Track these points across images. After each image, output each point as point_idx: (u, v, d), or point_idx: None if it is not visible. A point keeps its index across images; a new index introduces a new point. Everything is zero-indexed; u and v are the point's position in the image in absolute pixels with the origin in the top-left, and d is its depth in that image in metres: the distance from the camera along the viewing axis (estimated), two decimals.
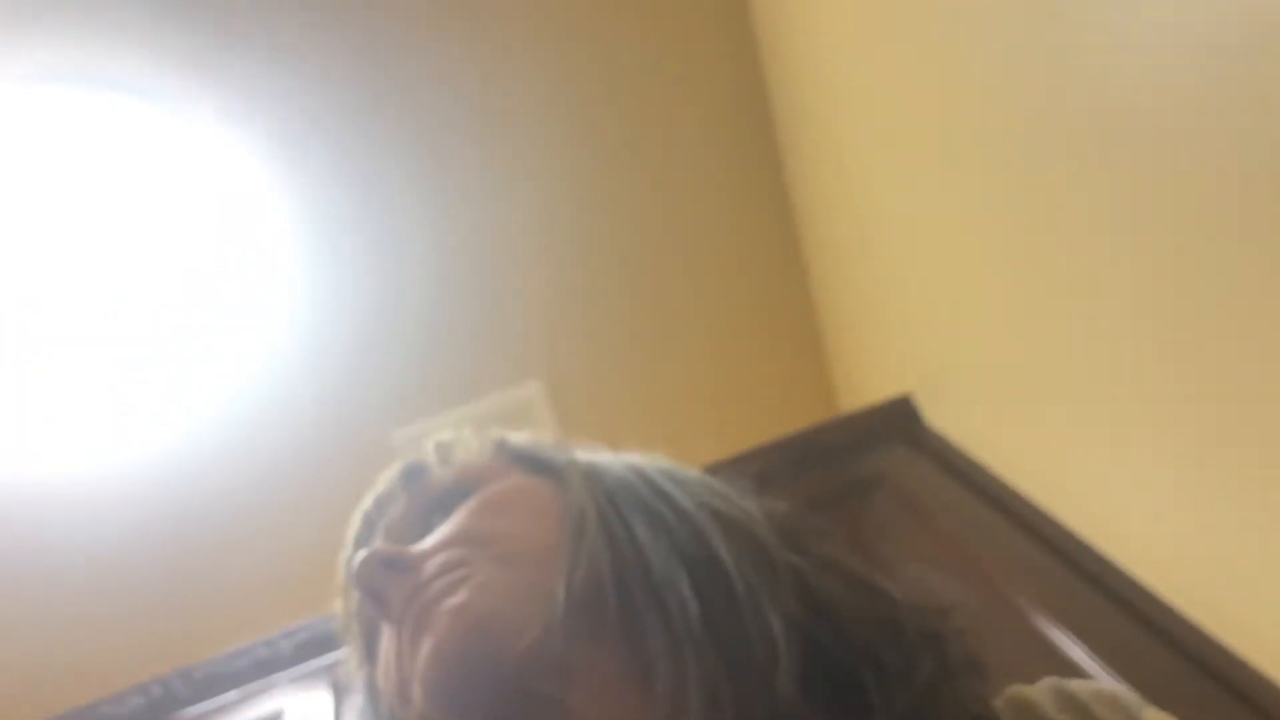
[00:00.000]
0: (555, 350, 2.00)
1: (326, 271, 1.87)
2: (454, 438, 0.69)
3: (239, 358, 1.86)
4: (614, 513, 0.59)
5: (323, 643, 1.51)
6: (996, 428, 1.48)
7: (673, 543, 0.56)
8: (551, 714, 0.52)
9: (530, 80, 1.89)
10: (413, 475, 0.67)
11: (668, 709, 0.50)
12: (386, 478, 0.68)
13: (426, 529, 0.62)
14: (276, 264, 1.84)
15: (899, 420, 1.67)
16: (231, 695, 1.53)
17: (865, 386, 1.93)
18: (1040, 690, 0.59)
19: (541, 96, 1.90)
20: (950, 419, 1.60)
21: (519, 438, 0.69)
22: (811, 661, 0.51)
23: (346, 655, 0.67)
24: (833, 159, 1.81)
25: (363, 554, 0.58)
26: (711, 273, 2.05)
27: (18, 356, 1.74)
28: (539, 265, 1.98)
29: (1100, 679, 1.05)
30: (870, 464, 1.60)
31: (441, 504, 0.63)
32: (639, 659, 0.52)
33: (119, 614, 1.86)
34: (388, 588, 0.57)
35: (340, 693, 1.44)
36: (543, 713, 0.52)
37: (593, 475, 0.63)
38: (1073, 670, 1.09)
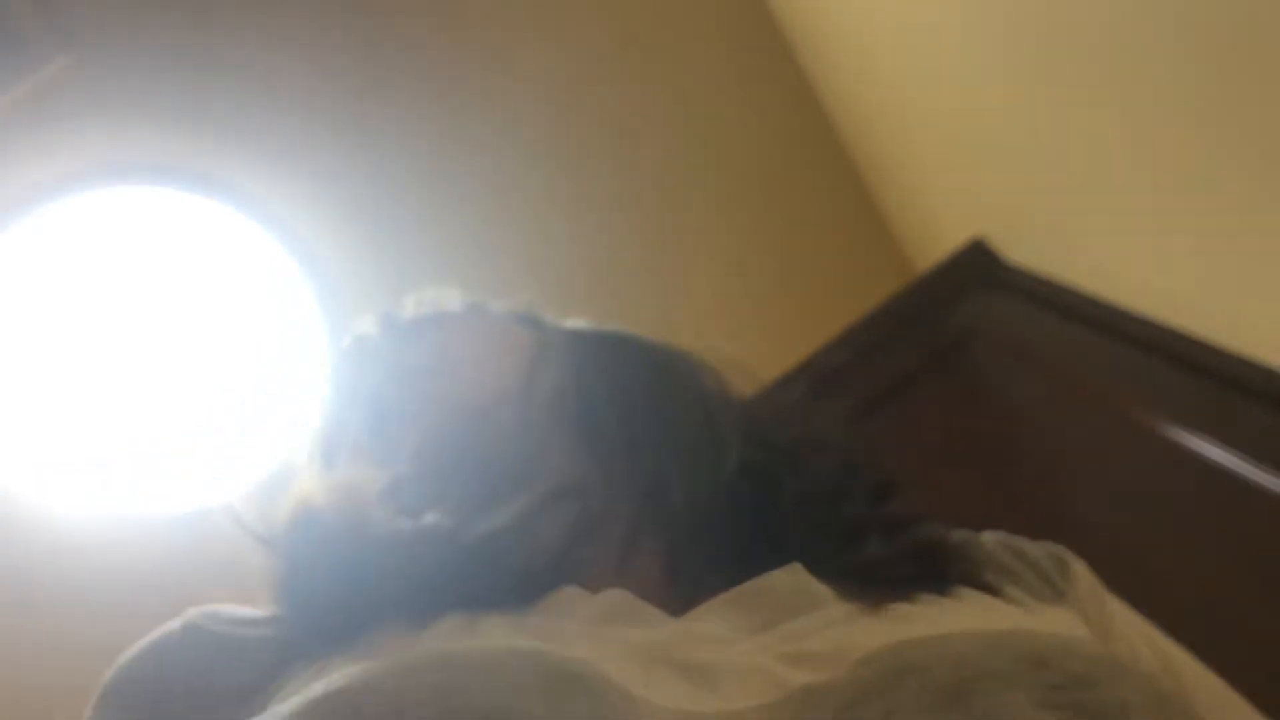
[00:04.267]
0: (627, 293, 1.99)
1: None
2: (435, 295, 0.75)
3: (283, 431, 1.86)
4: (580, 343, 0.68)
5: None
6: (1076, 246, 1.44)
7: (632, 364, 0.66)
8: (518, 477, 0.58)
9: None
10: (391, 319, 0.72)
11: (620, 495, 0.57)
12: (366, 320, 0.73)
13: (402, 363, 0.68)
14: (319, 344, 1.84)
15: (978, 265, 1.63)
16: None
17: (936, 241, 1.89)
18: (984, 536, 0.63)
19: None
20: (1028, 249, 1.56)
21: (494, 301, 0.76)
22: (746, 464, 0.59)
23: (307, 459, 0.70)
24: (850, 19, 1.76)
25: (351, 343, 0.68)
26: (746, 172, 2.01)
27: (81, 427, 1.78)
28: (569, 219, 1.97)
29: (1245, 471, 1.04)
30: (960, 317, 1.57)
31: (417, 333, 0.70)
32: (597, 454, 0.59)
33: None
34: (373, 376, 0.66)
35: None
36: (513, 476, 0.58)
37: (565, 326, 0.72)
38: (1215, 472, 1.06)
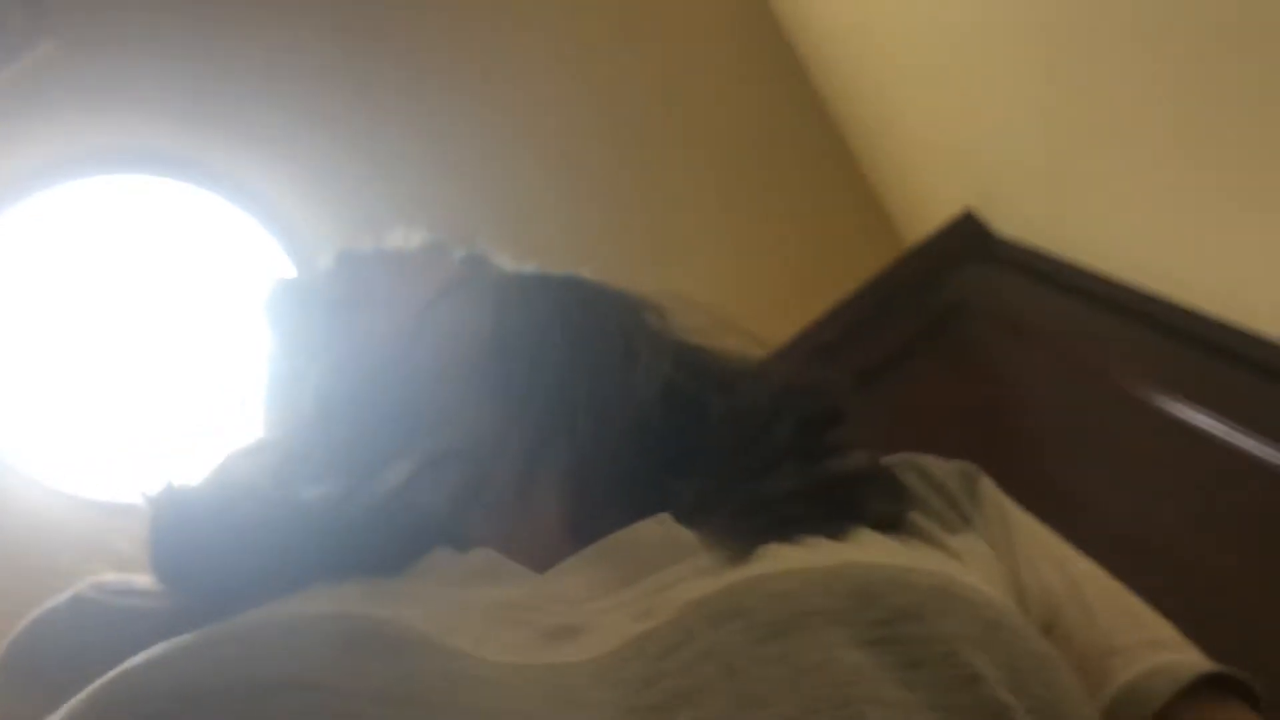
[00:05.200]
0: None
1: None
2: (396, 233, 0.75)
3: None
4: (512, 282, 0.67)
5: None
6: (1066, 217, 1.44)
7: (555, 300, 0.65)
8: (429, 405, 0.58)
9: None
10: (348, 253, 0.72)
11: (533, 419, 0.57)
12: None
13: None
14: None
15: (969, 237, 1.64)
16: None
17: (926, 213, 1.89)
18: (892, 458, 0.62)
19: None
20: (1019, 221, 1.56)
21: (453, 243, 0.75)
22: (672, 389, 0.59)
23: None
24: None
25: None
26: (735, 147, 2.01)
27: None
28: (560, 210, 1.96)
29: (1237, 440, 1.04)
30: (951, 290, 1.58)
31: (341, 269, 0.70)
32: (506, 388, 0.59)
33: None
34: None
35: None
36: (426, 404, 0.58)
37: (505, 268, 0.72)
38: (1208, 442, 1.07)
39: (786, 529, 0.49)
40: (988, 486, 0.61)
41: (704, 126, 1.99)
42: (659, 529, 0.50)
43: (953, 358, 1.48)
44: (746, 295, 1.96)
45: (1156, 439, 1.13)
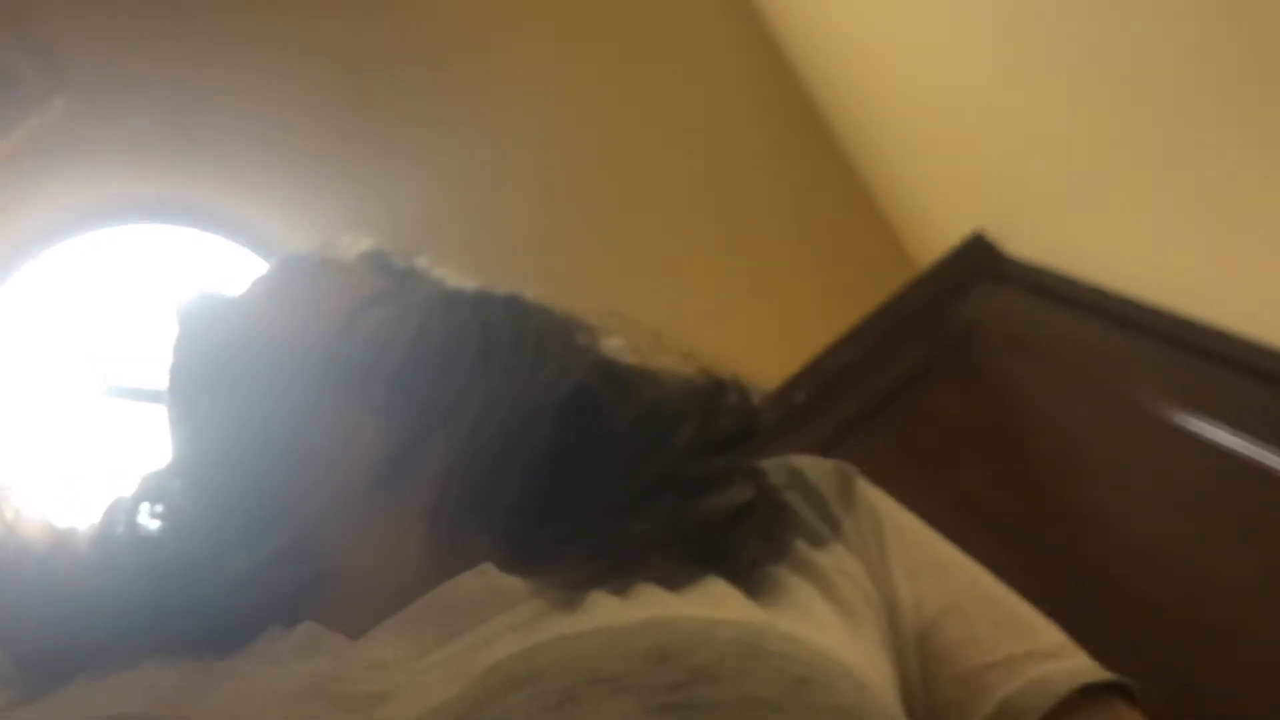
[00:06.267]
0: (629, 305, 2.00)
1: None
2: (340, 241, 0.73)
3: None
4: (438, 298, 0.65)
5: None
6: (1076, 235, 1.44)
7: (471, 318, 0.62)
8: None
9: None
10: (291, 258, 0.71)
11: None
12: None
13: None
14: None
15: (979, 258, 1.64)
16: None
17: (936, 236, 1.89)
18: (769, 463, 0.60)
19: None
20: (1028, 241, 1.57)
21: (393, 254, 0.73)
22: (571, 410, 0.57)
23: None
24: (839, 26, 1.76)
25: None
26: (744, 178, 2.02)
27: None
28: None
29: (1257, 455, 1.03)
30: (964, 311, 1.57)
31: (253, 281, 0.68)
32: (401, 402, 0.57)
33: None
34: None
35: None
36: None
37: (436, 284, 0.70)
38: (1228, 458, 1.06)
39: (625, 576, 0.48)
40: (865, 490, 0.60)
41: (713, 158, 2.00)
42: (480, 581, 0.48)
43: (968, 379, 1.48)
44: (761, 323, 1.97)
45: (1174, 456, 1.12)
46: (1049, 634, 0.55)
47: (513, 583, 0.48)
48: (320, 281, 0.66)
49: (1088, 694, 0.51)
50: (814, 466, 0.60)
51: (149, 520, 0.58)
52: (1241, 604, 0.95)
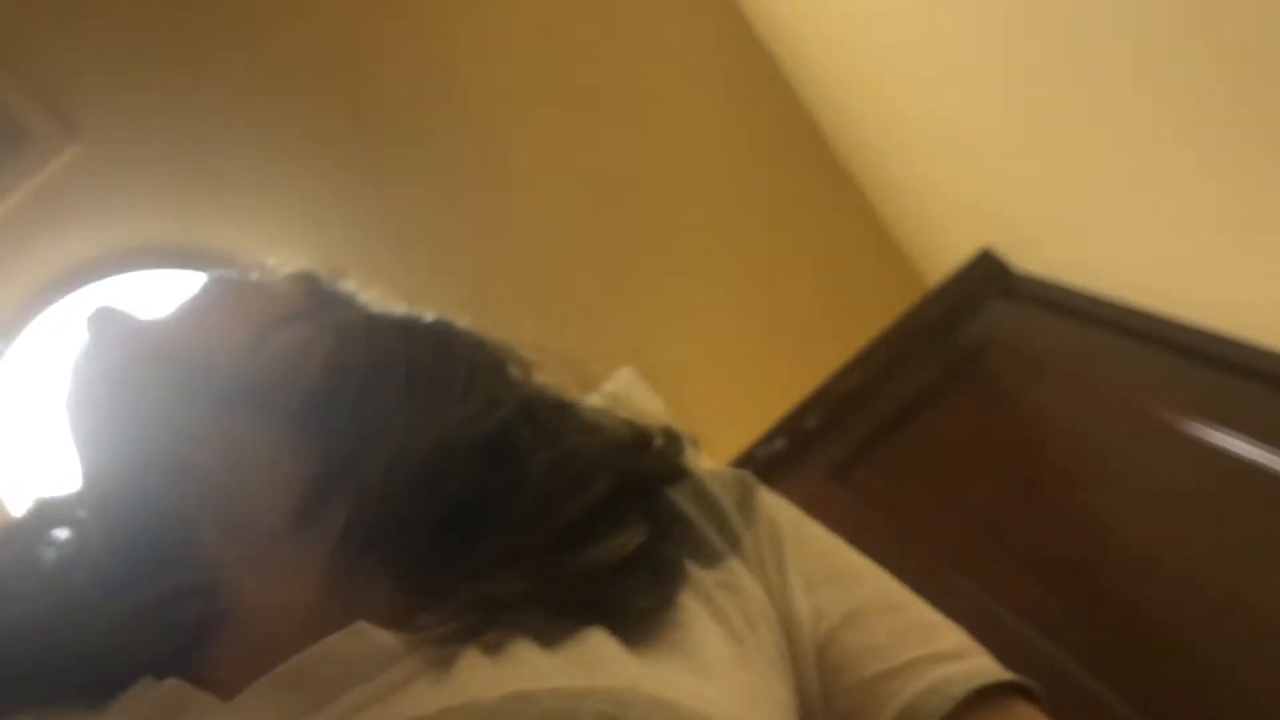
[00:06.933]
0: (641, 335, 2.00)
1: None
2: (278, 264, 0.71)
3: None
4: (362, 325, 0.62)
5: None
6: (1083, 248, 1.44)
7: (390, 346, 0.60)
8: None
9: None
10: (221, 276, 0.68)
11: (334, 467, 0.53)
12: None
13: None
14: None
15: (987, 274, 1.64)
16: None
17: (944, 254, 1.89)
18: (679, 489, 0.59)
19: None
20: (1036, 256, 1.56)
21: (322, 276, 0.70)
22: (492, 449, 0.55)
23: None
24: (839, 47, 1.77)
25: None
26: (752, 205, 2.03)
27: None
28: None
29: (1274, 464, 1.03)
30: (975, 328, 1.57)
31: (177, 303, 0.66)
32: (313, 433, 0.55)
33: None
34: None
35: None
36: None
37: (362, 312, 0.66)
38: (1242, 466, 1.06)
39: (504, 628, 0.48)
40: (765, 500, 0.59)
41: (719, 181, 2.02)
42: (353, 643, 0.47)
43: (980, 395, 1.47)
44: (774, 346, 1.97)
45: (1189, 466, 1.12)
46: (950, 636, 0.54)
47: (387, 641, 0.47)
48: (236, 298, 0.64)
49: (987, 694, 0.51)
50: (714, 479, 0.60)
51: (46, 550, 0.56)
52: (1266, 615, 0.94)
